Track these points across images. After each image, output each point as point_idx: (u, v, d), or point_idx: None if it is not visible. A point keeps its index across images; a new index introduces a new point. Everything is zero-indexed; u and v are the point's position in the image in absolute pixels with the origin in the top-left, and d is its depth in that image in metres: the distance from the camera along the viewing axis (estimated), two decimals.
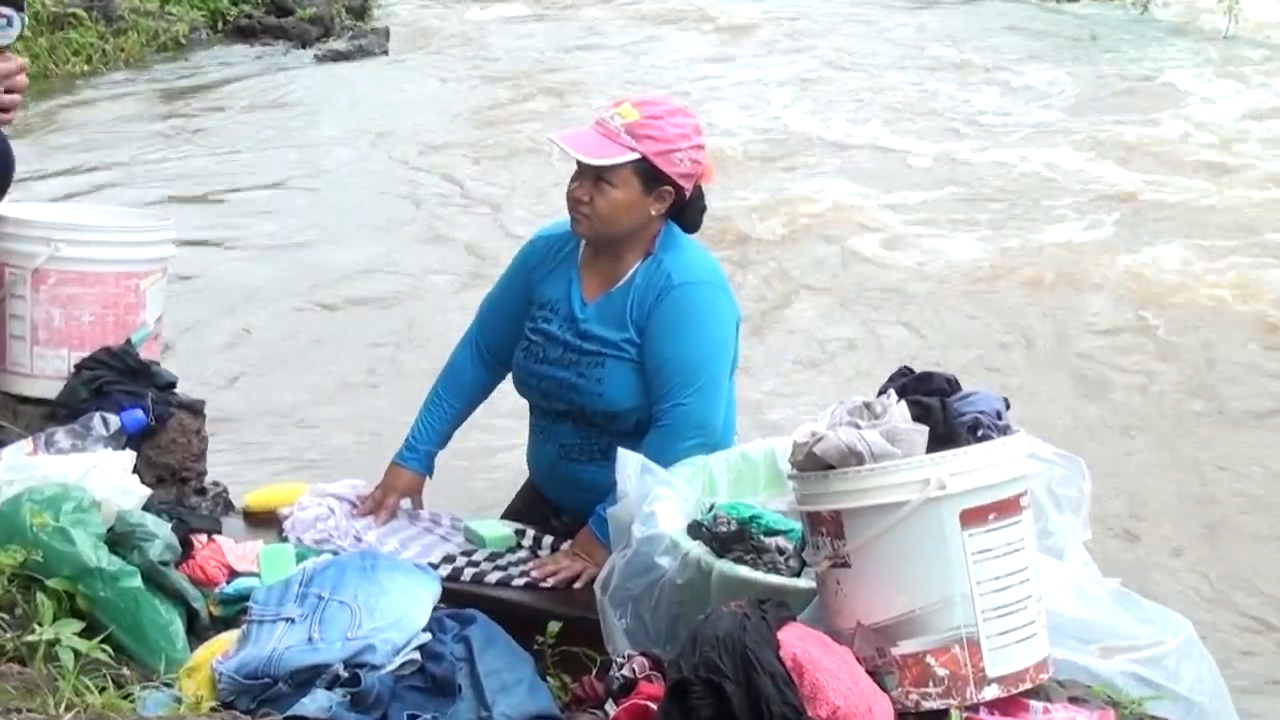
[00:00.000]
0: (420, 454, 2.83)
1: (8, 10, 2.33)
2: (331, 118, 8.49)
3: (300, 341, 5.21)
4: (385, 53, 10.52)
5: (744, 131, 8.30)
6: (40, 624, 1.95)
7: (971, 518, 1.89)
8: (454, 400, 2.85)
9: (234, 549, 2.52)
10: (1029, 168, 7.70)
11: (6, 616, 2.02)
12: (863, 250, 6.42)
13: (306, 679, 1.94)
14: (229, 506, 2.87)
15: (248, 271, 5.87)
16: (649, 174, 2.55)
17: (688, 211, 2.67)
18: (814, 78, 9.79)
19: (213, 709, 1.89)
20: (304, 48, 10.44)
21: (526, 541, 2.74)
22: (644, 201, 2.57)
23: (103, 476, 2.35)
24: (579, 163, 2.57)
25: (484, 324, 2.87)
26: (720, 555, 2.15)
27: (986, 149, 8.09)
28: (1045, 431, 2.59)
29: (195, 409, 2.95)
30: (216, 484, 2.91)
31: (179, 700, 1.94)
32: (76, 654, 1.90)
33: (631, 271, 2.63)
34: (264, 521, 2.77)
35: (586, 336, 2.65)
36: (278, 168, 7.42)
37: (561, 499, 2.79)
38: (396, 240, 6.38)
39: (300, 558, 2.49)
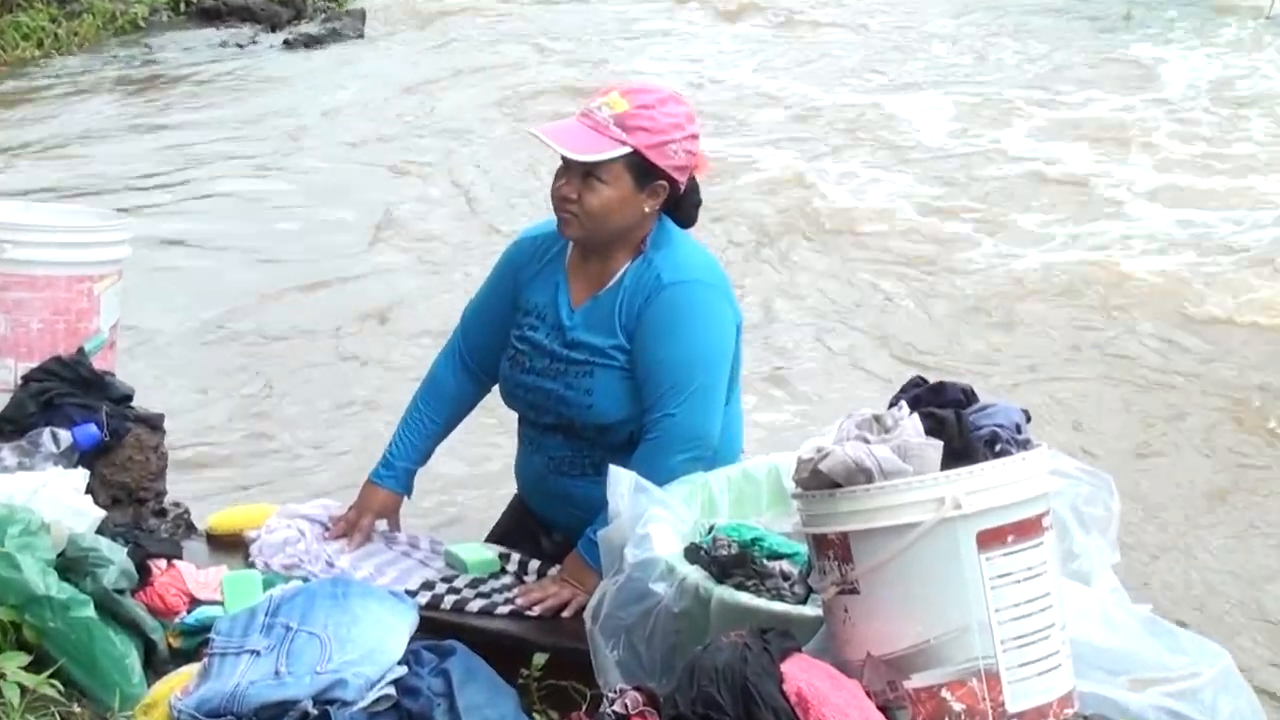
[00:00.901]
0: (398, 472, 2.83)
1: None
2: (301, 109, 8.50)
3: (268, 350, 5.22)
4: (361, 36, 10.52)
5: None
6: None
7: (989, 540, 1.90)
8: (435, 413, 2.86)
9: (195, 575, 2.52)
10: (1029, 164, 7.71)
11: None
12: (874, 244, 6.44)
13: (273, 716, 1.94)
14: (190, 529, 2.87)
15: (211, 274, 5.88)
16: (641, 169, 2.55)
17: (682, 206, 2.67)
18: (825, 56, 9.85)
19: None
20: (273, 31, 10.45)
21: (511, 566, 2.74)
22: (636, 198, 2.57)
23: (53, 497, 2.36)
24: (565, 159, 2.57)
25: (467, 331, 2.88)
26: (720, 581, 2.16)
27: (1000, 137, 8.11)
28: (1069, 445, 2.59)
29: (154, 423, 2.96)
30: (177, 505, 2.92)
31: None
32: (23, 689, 1.90)
33: (621, 272, 2.64)
34: (228, 545, 2.77)
35: (574, 345, 2.65)
36: (242, 164, 7.43)
37: (551, 515, 2.80)
38: (370, 242, 6.39)
39: (267, 584, 2.50)
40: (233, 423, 4.60)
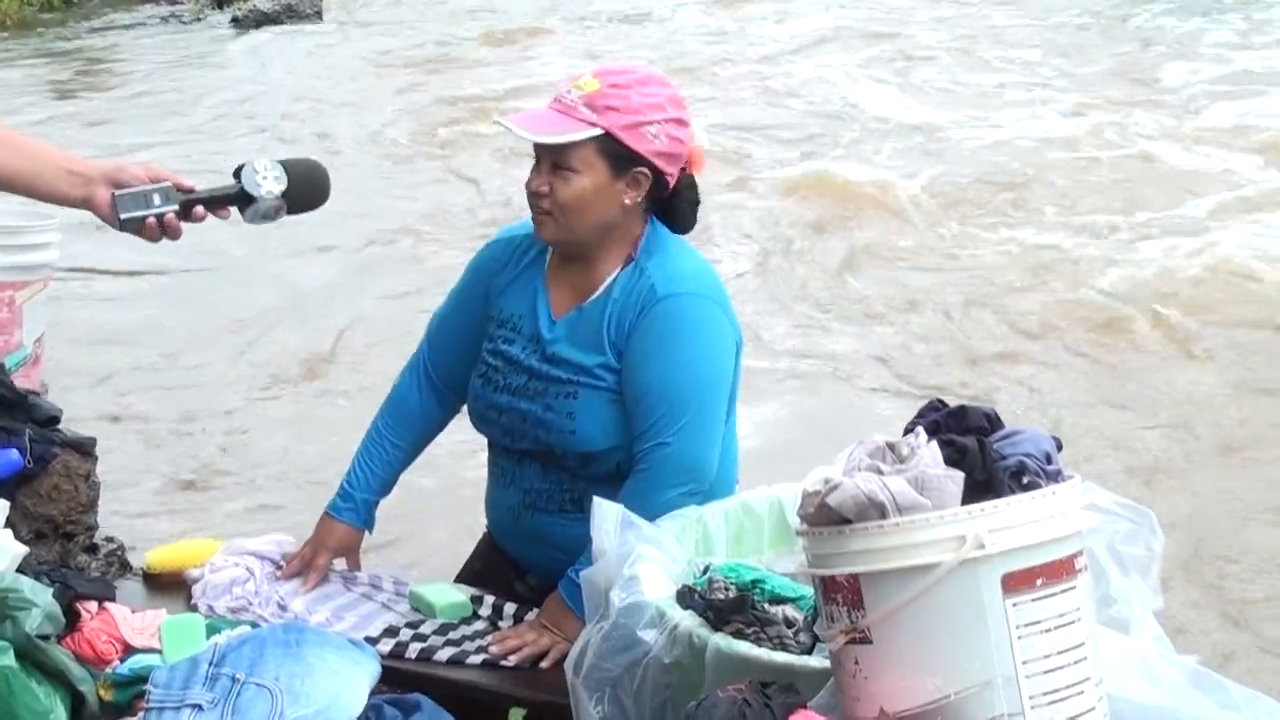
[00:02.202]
0: (357, 504, 2.84)
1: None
2: (249, 100, 8.53)
3: (213, 369, 5.23)
4: (319, 15, 10.56)
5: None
6: None
7: (1016, 583, 1.90)
8: (398, 438, 2.87)
9: (130, 620, 2.52)
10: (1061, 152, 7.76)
11: None
12: (886, 252, 6.47)
13: None
14: (125, 567, 2.88)
15: (148, 281, 5.90)
16: (616, 154, 2.55)
17: (676, 206, 2.68)
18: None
19: None
20: (221, 8, 10.49)
21: (484, 610, 2.75)
22: (613, 188, 2.57)
23: None
24: (535, 149, 2.58)
25: (434, 344, 2.89)
26: (716, 628, 2.16)
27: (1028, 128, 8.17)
28: (1107, 477, 2.61)
29: (84, 449, 2.96)
30: (110, 540, 2.92)
31: None
32: None
33: (609, 281, 2.65)
34: (168, 586, 2.78)
35: (555, 361, 2.66)
36: (181, 161, 7.44)
37: (526, 557, 2.80)
38: (320, 247, 6.41)
39: (211, 630, 2.50)
40: (173, 448, 4.61)
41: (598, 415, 2.62)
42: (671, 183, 2.63)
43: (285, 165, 2.37)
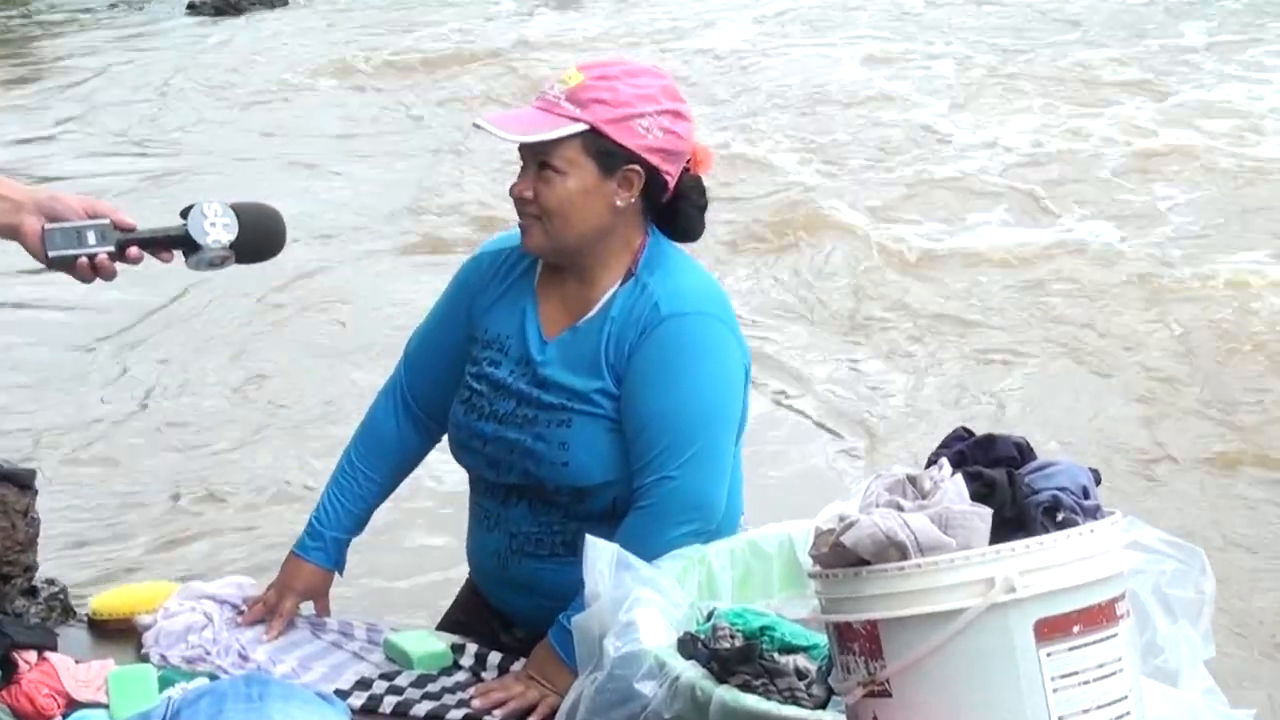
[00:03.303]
0: (327, 543, 2.84)
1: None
2: (208, 92, 8.55)
3: (167, 388, 5.23)
4: (284, 2, 10.59)
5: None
6: None
7: (1051, 630, 1.90)
8: (372, 469, 2.87)
9: (74, 670, 2.52)
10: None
11: None
12: (905, 265, 6.49)
13: None
14: (68, 613, 2.88)
15: (90, 294, 5.90)
16: (604, 150, 2.55)
17: (680, 211, 2.68)
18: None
19: None
20: None
21: (466, 660, 2.75)
22: (603, 188, 2.57)
23: None
24: (519, 151, 2.59)
25: (412, 367, 2.89)
26: (721, 680, 2.15)
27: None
28: (1152, 513, 2.61)
29: (23, 481, 2.96)
30: (51, 583, 2.92)
31: None
32: None
33: (607, 297, 2.65)
34: (116, 633, 2.77)
35: (546, 385, 2.66)
36: (129, 160, 7.46)
37: (513, 607, 2.80)
38: (286, 257, 6.42)
39: (165, 682, 2.50)
40: (121, 479, 4.61)
41: (593, 446, 2.62)
42: (671, 183, 2.62)
43: (237, 211, 2.34)
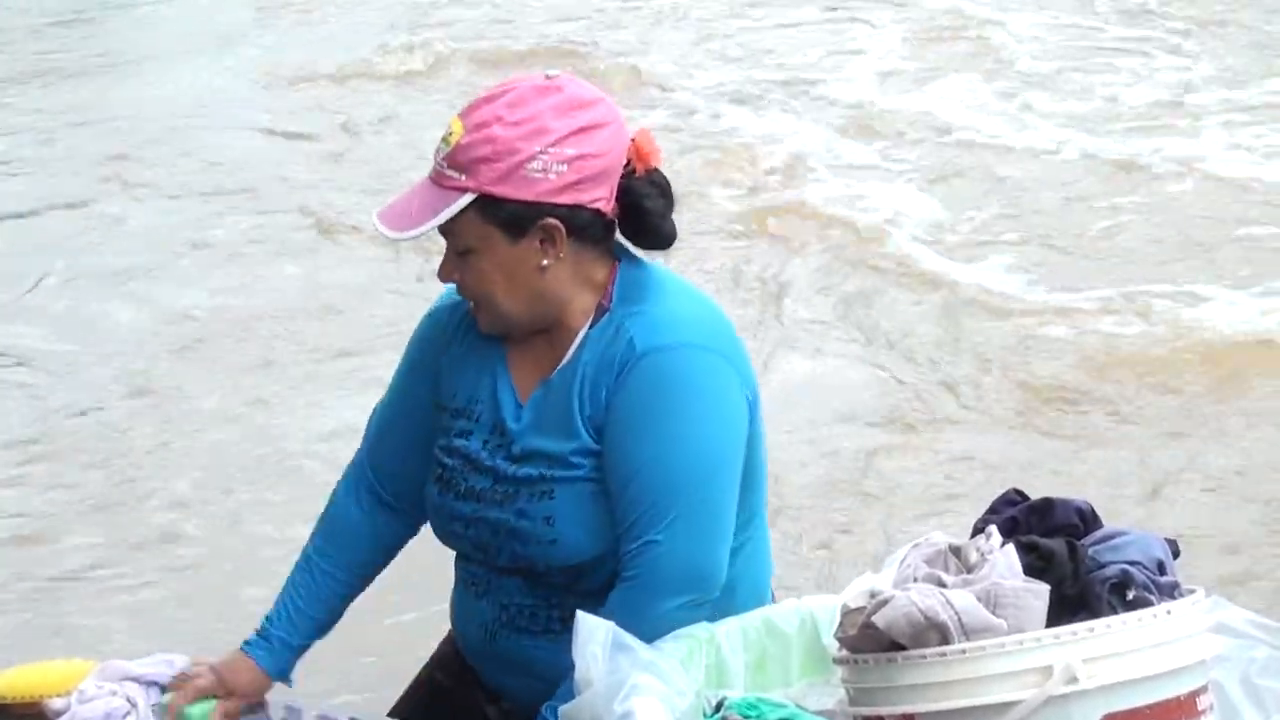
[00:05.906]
0: (273, 645, 2.78)
1: None
2: (170, 79, 8.63)
3: (106, 428, 5.25)
4: None
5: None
6: None
7: None
8: (333, 565, 2.81)
9: None
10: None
11: None
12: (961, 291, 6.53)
13: None
14: None
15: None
16: (504, 215, 2.51)
17: (639, 220, 2.61)
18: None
19: None
20: None
21: None
22: (520, 254, 2.53)
23: None
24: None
25: (374, 446, 2.85)
26: None
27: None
28: (1243, 593, 2.59)
29: None
30: None
31: None
32: None
33: (577, 343, 2.62)
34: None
35: (524, 458, 2.62)
36: (83, 161, 7.52)
37: (500, 683, 2.78)
38: (251, 278, 6.47)
39: None
40: (34, 539, 4.60)
41: (580, 516, 2.59)
42: (606, 204, 2.58)
43: None
